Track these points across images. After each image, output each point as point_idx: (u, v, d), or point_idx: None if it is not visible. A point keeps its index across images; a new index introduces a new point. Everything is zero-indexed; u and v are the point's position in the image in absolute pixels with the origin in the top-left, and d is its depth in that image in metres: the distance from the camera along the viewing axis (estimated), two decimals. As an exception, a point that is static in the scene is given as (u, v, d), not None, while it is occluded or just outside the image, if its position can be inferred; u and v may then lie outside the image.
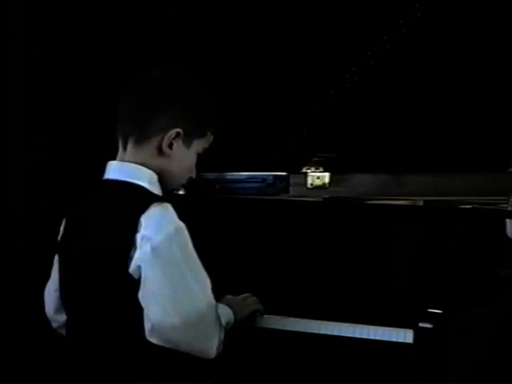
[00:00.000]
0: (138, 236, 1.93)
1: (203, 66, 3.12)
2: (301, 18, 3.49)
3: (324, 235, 2.38)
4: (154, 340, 1.95)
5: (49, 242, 2.20)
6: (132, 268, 1.94)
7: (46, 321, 2.23)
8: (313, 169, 2.80)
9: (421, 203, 2.64)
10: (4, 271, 3.23)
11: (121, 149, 2.08)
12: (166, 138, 2.04)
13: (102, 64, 3.34)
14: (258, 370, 2.19)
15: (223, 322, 2.04)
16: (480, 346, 2.11)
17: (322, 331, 2.14)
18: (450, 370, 2.06)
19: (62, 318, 2.16)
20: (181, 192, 2.35)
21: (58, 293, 2.15)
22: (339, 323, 2.13)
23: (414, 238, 2.33)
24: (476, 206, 2.53)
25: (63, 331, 2.18)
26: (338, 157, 2.78)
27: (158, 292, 1.93)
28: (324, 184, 2.80)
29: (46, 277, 2.21)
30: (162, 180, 2.06)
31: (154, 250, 1.93)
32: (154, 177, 2.05)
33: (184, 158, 2.08)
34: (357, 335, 2.10)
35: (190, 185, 2.18)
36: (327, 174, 2.80)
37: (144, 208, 1.95)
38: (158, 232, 1.93)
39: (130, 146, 2.06)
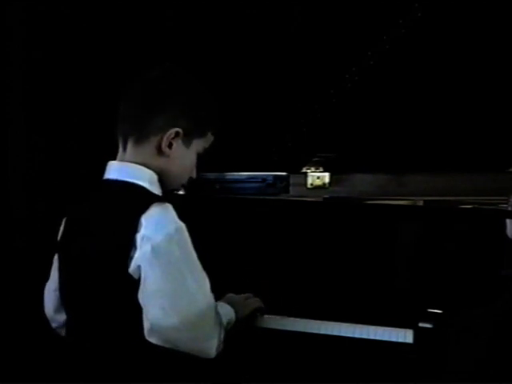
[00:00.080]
0: (139, 236, 1.93)
1: (203, 66, 3.12)
2: (301, 17, 3.49)
3: (324, 235, 2.38)
4: (153, 340, 1.95)
5: (49, 242, 2.20)
6: (132, 268, 1.94)
7: (45, 321, 2.23)
8: (313, 169, 2.80)
9: (421, 203, 2.64)
10: (4, 271, 3.23)
11: (121, 149, 2.08)
12: (165, 138, 2.04)
13: (102, 64, 3.34)
14: (258, 369, 2.19)
15: (224, 321, 2.05)
16: (480, 346, 2.11)
17: (322, 331, 2.14)
18: (450, 370, 2.06)
19: (62, 317, 2.16)
20: (181, 192, 2.35)
21: (57, 292, 2.15)
22: (339, 323, 2.13)
23: (413, 238, 2.33)
24: (476, 205, 2.53)
25: (63, 331, 2.18)
26: (338, 157, 2.78)
27: (158, 292, 1.93)
28: (324, 184, 2.80)
29: (46, 277, 2.21)
30: (162, 180, 2.06)
31: (154, 249, 1.93)
32: (154, 177, 2.05)
33: (184, 157, 2.08)
34: (357, 335, 2.11)
35: (190, 185, 2.18)
36: (327, 174, 2.80)
37: (144, 208, 1.95)
38: (159, 232, 1.94)
39: (129, 145, 2.06)
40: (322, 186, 2.80)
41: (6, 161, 3.29)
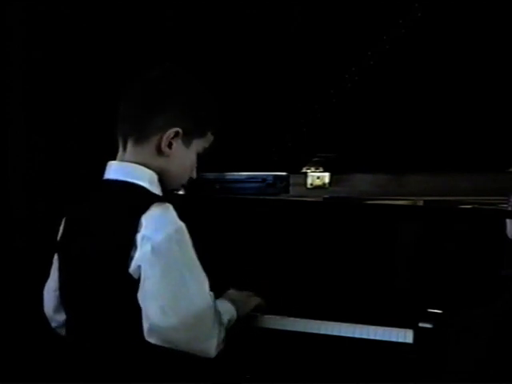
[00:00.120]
0: (139, 236, 1.93)
1: (203, 66, 3.12)
2: (301, 17, 3.49)
3: (324, 235, 2.38)
4: (152, 340, 1.95)
5: (49, 242, 2.20)
6: (132, 268, 1.94)
7: (45, 321, 2.23)
8: (313, 169, 2.80)
9: (421, 203, 2.64)
10: (4, 271, 3.23)
11: (121, 149, 2.08)
12: (164, 138, 2.04)
13: (102, 64, 3.34)
14: (258, 369, 2.19)
15: (225, 319, 2.05)
16: (480, 346, 2.11)
17: (322, 331, 2.14)
18: (450, 370, 2.06)
19: (62, 317, 2.16)
20: (181, 192, 2.35)
21: (57, 292, 2.15)
22: (339, 323, 2.13)
23: (414, 237, 2.33)
24: (476, 205, 2.53)
25: (62, 331, 2.18)
26: (338, 157, 2.78)
27: (157, 292, 1.93)
28: (324, 184, 2.80)
29: (46, 276, 2.21)
30: (162, 180, 2.06)
31: (154, 249, 1.93)
32: (155, 177, 2.05)
33: (184, 157, 2.08)
34: (357, 335, 2.11)
35: (190, 185, 2.18)
36: (327, 174, 2.80)
37: (145, 208, 1.95)
38: (159, 232, 1.94)
39: (129, 145, 2.06)
40: (322, 186, 2.80)
41: (6, 161, 3.29)
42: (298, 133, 2.71)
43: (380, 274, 2.27)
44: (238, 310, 2.11)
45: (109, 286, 1.97)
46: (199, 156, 2.13)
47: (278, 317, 2.19)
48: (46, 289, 2.21)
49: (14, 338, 3.20)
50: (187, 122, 2.06)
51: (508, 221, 2.25)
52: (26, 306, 3.06)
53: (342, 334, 2.12)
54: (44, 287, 2.22)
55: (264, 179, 2.74)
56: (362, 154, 2.80)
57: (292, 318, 2.19)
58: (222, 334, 2.02)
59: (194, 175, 2.14)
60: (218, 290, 2.08)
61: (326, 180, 2.80)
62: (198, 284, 1.97)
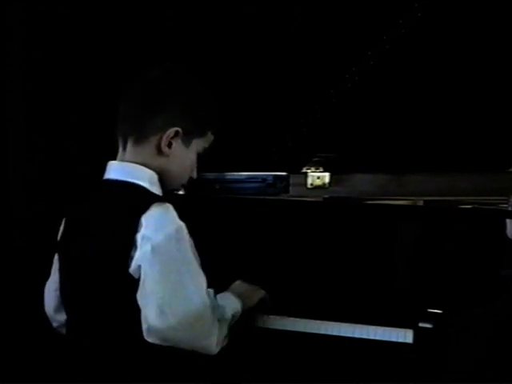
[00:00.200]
0: (139, 236, 1.93)
1: (203, 66, 3.12)
2: (301, 17, 3.49)
3: (324, 235, 2.38)
4: (151, 340, 1.95)
5: (49, 242, 2.20)
6: (132, 268, 1.94)
7: (45, 320, 2.23)
8: (313, 169, 2.80)
9: (421, 203, 2.63)
10: (4, 271, 3.23)
11: (121, 149, 2.08)
12: (164, 137, 2.04)
13: (102, 64, 3.34)
14: (258, 369, 2.19)
15: (228, 314, 2.05)
16: (480, 346, 2.11)
17: (322, 331, 2.14)
18: (450, 370, 2.06)
19: (62, 317, 2.16)
20: (181, 192, 2.35)
21: (57, 292, 2.15)
22: (339, 323, 2.13)
23: (414, 237, 2.33)
24: (476, 205, 2.53)
25: (63, 331, 2.18)
26: (338, 157, 2.78)
27: (156, 291, 1.93)
28: (324, 184, 2.80)
29: (46, 276, 2.21)
30: (162, 180, 2.07)
31: (154, 249, 1.93)
32: (155, 177, 2.05)
33: (184, 157, 2.08)
34: (356, 335, 2.11)
35: (190, 185, 2.18)
36: (327, 174, 2.80)
37: (145, 208, 1.95)
38: (159, 232, 1.94)
39: (129, 145, 2.06)
40: (322, 186, 2.80)
41: (6, 161, 3.29)
42: (297, 133, 2.71)
43: (380, 274, 2.27)
44: (244, 302, 2.11)
45: (109, 286, 1.97)
46: (199, 156, 2.13)
47: (277, 317, 2.19)
48: (47, 289, 2.21)
49: (13, 338, 3.20)
50: (187, 122, 2.06)
51: (508, 221, 2.25)
52: (26, 306, 3.06)
53: (342, 334, 2.12)
54: (44, 287, 2.22)
55: (264, 179, 2.74)
56: (362, 154, 2.80)
57: (292, 318, 2.19)
58: (224, 330, 2.02)
59: (194, 175, 2.14)
60: (217, 290, 2.08)
61: (326, 180, 2.80)
62: (196, 283, 1.97)
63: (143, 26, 3.40)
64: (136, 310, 1.95)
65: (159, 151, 2.05)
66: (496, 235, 2.26)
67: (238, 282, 2.18)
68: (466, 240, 2.26)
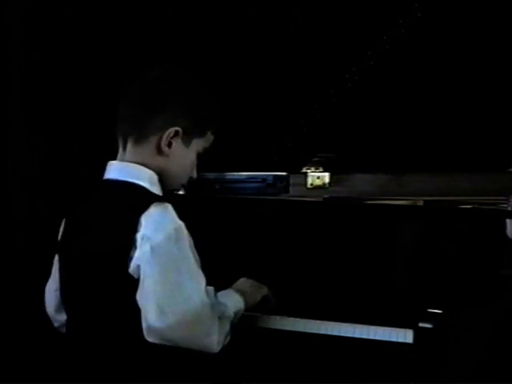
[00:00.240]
0: (138, 236, 1.93)
1: (203, 66, 3.12)
2: (301, 17, 3.49)
3: (324, 235, 2.38)
4: (151, 339, 1.95)
5: (49, 242, 2.20)
6: (132, 268, 1.94)
7: (45, 321, 2.23)
8: (313, 169, 2.80)
9: (421, 203, 2.63)
10: (4, 271, 3.23)
11: (121, 149, 2.08)
12: (164, 137, 2.04)
13: (102, 64, 3.34)
14: (258, 369, 2.19)
15: (230, 312, 2.05)
16: (480, 346, 2.11)
17: (322, 331, 2.14)
18: (450, 370, 2.06)
19: (63, 317, 2.16)
20: (181, 192, 2.35)
21: (58, 292, 2.15)
22: (339, 323, 2.13)
23: (414, 237, 2.33)
24: (476, 205, 2.53)
25: (64, 330, 2.18)
26: (338, 157, 2.78)
27: (155, 291, 1.93)
28: (324, 184, 2.80)
29: (46, 277, 2.21)
30: (162, 180, 2.07)
31: (153, 249, 1.93)
32: (155, 177, 2.05)
33: (184, 157, 2.08)
34: (357, 335, 2.11)
35: (190, 185, 2.18)
36: (327, 174, 2.80)
37: (144, 208, 1.95)
38: (158, 232, 1.94)
39: (129, 145, 2.06)
40: (322, 186, 2.80)
41: (6, 161, 3.29)
42: (297, 133, 2.71)
43: (380, 274, 2.27)
44: (246, 301, 2.11)
45: (109, 286, 1.97)
46: (199, 156, 2.13)
47: (277, 317, 2.19)
48: (48, 289, 2.21)
49: (13, 337, 3.20)
50: (187, 122, 2.06)
51: (508, 221, 2.25)
52: (26, 306, 3.06)
53: (342, 334, 2.12)
54: (44, 287, 2.23)
55: (264, 179, 2.74)
56: (362, 154, 2.80)
57: (292, 318, 2.19)
58: (226, 328, 2.02)
59: (195, 175, 2.14)
60: (218, 289, 2.08)
61: (326, 180, 2.80)
62: (195, 283, 1.97)
63: (143, 25, 3.40)
64: (136, 310, 1.95)
65: (159, 151, 2.05)
66: (496, 235, 2.26)
67: (242, 280, 2.19)
68: (466, 240, 2.26)
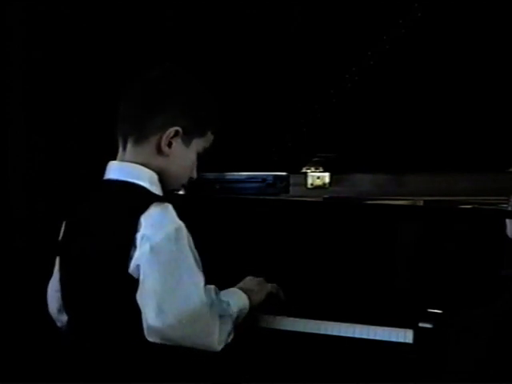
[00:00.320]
0: (138, 236, 1.94)
1: (203, 66, 3.12)
2: (301, 17, 3.49)
3: (324, 235, 2.38)
4: (152, 339, 1.95)
5: (49, 242, 2.20)
6: (132, 268, 1.94)
7: (45, 321, 2.23)
8: (313, 169, 2.80)
9: (421, 203, 2.64)
10: (4, 271, 3.23)
11: (121, 149, 2.08)
12: (164, 137, 2.04)
13: (102, 64, 3.34)
14: (258, 369, 2.19)
15: (234, 310, 2.05)
16: (480, 346, 2.11)
17: (322, 331, 2.14)
18: (450, 370, 2.06)
19: (66, 317, 2.16)
20: (181, 192, 2.35)
21: (59, 293, 2.15)
22: (339, 323, 2.13)
23: (414, 237, 2.33)
24: (476, 205, 2.53)
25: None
26: (338, 157, 2.78)
27: (155, 291, 1.93)
28: (324, 184, 2.80)
29: (47, 277, 2.21)
30: (162, 180, 2.07)
31: (153, 249, 1.93)
32: (155, 177, 2.05)
33: (184, 157, 2.09)
34: (356, 335, 2.10)
35: (190, 185, 2.18)
36: (327, 174, 2.80)
37: (144, 208, 1.95)
38: (158, 231, 1.94)
39: (129, 145, 2.06)
40: (322, 186, 2.80)
41: (6, 161, 3.29)
42: (297, 133, 2.71)
43: (380, 274, 2.27)
44: (251, 299, 2.11)
45: (109, 286, 1.97)
46: (199, 156, 2.13)
47: (278, 317, 2.19)
48: (49, 289, 2.21)
49: (13, 337, 3.20)
50: (187, 122, 2.06)
51: (508, 221, 2.25)
52: (26, 306, 3.06)
53: (342, 334, 2.12)
54: (44, 287, 2.23)
55: (264, 179, 2.74)
56: (362, 154, 2.80)
57: (292, 318, 2.19)
58: (228, 327, 2.02)
59: (195, 175, 2.14)
60: (218, 289, 2.08)
61: (326, 180, 2.80)
62: (195, 282, 1.97)
63: (143, 25, 3.40)
64: (136, 310, 1.95)
65: (159, 151, 2.05)
66: (496, 235, 2.26)
67: (248, 278, 2.19)
68: (466, 240, 2.26)
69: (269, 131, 3.16)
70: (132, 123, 2.06)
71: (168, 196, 2.07)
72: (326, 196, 2.73)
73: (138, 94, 2.09)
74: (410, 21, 2.52)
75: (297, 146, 2.73)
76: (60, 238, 2.14)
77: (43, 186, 3.30)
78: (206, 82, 2.13)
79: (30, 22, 3.28)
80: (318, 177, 2.80)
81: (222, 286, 2.11)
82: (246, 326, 2.13)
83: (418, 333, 2.04)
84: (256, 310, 2.14)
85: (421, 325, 2.04)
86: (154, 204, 1.96)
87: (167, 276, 1.94)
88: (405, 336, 2.06)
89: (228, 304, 2.05)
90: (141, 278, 1.94)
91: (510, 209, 2.37)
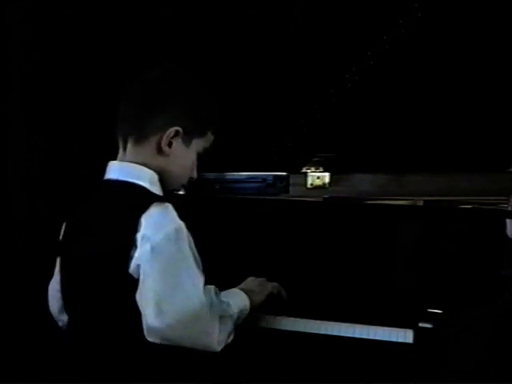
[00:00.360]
0: (139, 236, 1.93)
1: (203, 66, 3.12)
2: (301, 17, 3.49)
3: (324, 235, 2.38)
4: (151, 339, 1.95)
5: (49, 242, 2.20)
6: (132, 267, 1.94)
7: (45, 321, 2.23)
8: (313, 169, 2.80)
9: (421, 203, 2.64)
10: (4, 271, 3.23)
11: (121, 149, 2.08)
12: (164, 137, 2.04)
13: (102, 64, 3.34)
14: (258, 369, 2.19)
15: (234, 311, 2.05)
16: (480, 346, 2.11)
17: (322, 331, 2.14)
18: (450, 370, 2.06)
19: (67, 317, 2.16)
20: (181, 192, 2.35)
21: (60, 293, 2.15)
22: (339, 323, 2.13)
23: (414, 237, 2.33)
24: (476, 205, 2.53)
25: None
26: (338, 157, 2.78)
27: (154, 291, 1.93)
28: (324, 184, 2.80)
29: (47, 277, 2.21)
30: (162, 180, 2.07)
31: (153, 249, 1.93)
32: (155, 177, 2.05)
33: (184, 157, 2.09)
34: (357, 335, 2.10)
35: (190, 185, 2.18)
36: (327, 174, 2.80)
37: (144, 208, 1.95)
38: (158, 231, 1.94)
39: (129, 145, 2.06)
40: (322, 186, 2.80)
41: (6, 161, 3.29)
42: (297, 133, 2.71)
43: (380, 274, 2.27)
44: (252, 299, 2.11)
45: (109, 286, 1.97)
46: (199, 156, 2.13)
47: (278, 317, 2.19)
48: (50, 289, 2.21)
49: (13, 337, 3.20)
50: (187, 122, 2.06)
51: (508, 221, 2.25)
52: (26, 306, 3.06)
53: (342, 334, 2.12)
54: (44, 287, 2.23)
55: (264, 179, 2.74)
56: (362, 154, 2.80)
57: (292, 318, 2.19)
58: (228, 327, 2.02)
59: (195, 175, 2.14)
60: (218, 289, 2.08)
61: (326, 180, 2.80)
62: (194, 283, 1.97)
63: (143, 25, 3.40)
64: (137, 310, 1.95)
65: (159, 151, 2.05)
66: (496, 235, 2.26)
67: (249, 279, 2.19)
68: (466, 240, 2.26)
69: (269, 131, 3.16)
70: (132, 123, 2.06)
71: (168, 196, 2.07)
72: (326, 196, 2.73)
73: (138, 94, 2.09)
74: (409, 21, 2.52)
75: (297, 146, 2.73)
76: (60, 238, 2.14)
77: (43, 186, 3.30)
78: (206, 82, 2.13)
79: (30, 21, 3.28)
80: (317, 177, 2.80)
81: (222, 285, 2.11)
82: (246, 325, 2.13)
83: (418, 333, 2.04)
84: (257, 311, 2.14)
85: (421, 325, 2.04)
86: (155, 204, 1.96)
87: (167, 276, 1.94)
88: (405, 336, 2.06)
89: (228, 305, 2.05)
90: (141, 277, 1.94)
91: (510, 209, 2.37)
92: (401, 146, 2.77)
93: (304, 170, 2.80)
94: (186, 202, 2.26)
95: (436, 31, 2.56)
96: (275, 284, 2.22)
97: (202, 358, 2.00)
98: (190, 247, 1.98)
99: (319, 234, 2.38)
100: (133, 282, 1.94)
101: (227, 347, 2.03)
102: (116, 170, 2.06)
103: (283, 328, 2.18)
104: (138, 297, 1.94)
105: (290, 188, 2.76)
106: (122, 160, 2.08)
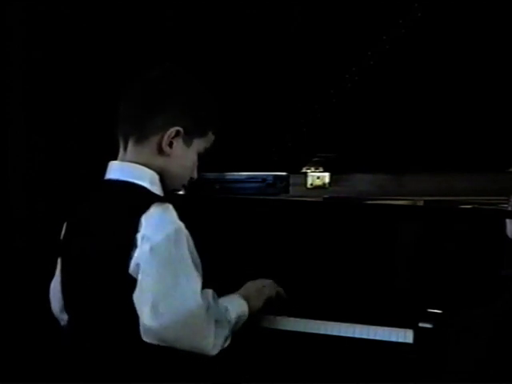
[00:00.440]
0: (139, 236, 1.93)
1: (203, 66, 3.12)
2: (301, 17, 3.49)
3: (324, 235, 2.38)
4: (148, 340, 1.94)
5: (49, 242, 2.20)
6: (132, 267, 1.94)
7: (45, 321, 2.23)
8: (313, 169, 2.80)
9: (421, 203, 2.64)
10: (4, 271, 3.23)
11: (121, 149, 2.08)
12: (165, 137, 2.04)
13: (102, 64, 3.34)
14: (258, 369, 2.19)
15: (232, 316, 2.04)
16: (480, 346, 2.11)
17: (322, 331, 2.14)
18: (450, 370, 2.06)
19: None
20: (181, 192, 2.35)
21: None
22: (339, 323, 2.13)
23: (414, 237, 2.33)
24: (476, 205, 2.53)
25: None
26: (338, 157, 2.78)
27: (152, 291, 1.93)
28: (324, 184, 2.80)
29: (47, 277, 2.21)
30: (163, 180, 2.07)
31: (153, 249, 1.93)
32: (156, 177, 2.05)
33: (184, 157, 2.08)
34: (357, 335, 2.11)
35: (190, 185, 2.18)
36: (327, 174, 2.80)
37: (145, 208, 1.95)
38: (158, 232, 1.94)
39: (130, 145, 2.06)
40: (322, 186, 2.80)
41: (6, 161, 3.29)
42: (297, 133, 2.71)
43: (380, 274, 2.27)
44: (250, 305, 2.11)
45: (109, 286, 1.97)
46: (200, 156, 2.13)
47: (278, 317, 2.19)
48: (52, 289, 2.21)
49: (13, 337, 3.20)
50: (187, 122, 2.06)
51: (508, 221, 2.25)
52: (26, 306, 3.06)
53: (342, 334, 2.12)
54: (44, 287, 2.22)
55: (264, 179, 2.74)
56: (362, 154, 2.80)
57: (292, 318, 2.19)
58: (224, 332, 2.02)
59: (195, 175, 2.14)
60: (217, 289, 2.08)
61: (326, 180, 2.80)
62: (191, 285, 1.97)
63: (143, 25, 3.40)
64: (136, 310, 1.95)
65: (160, 151, 2.05)
66: (496, 235, 2.26)
67: (248, 284, 2.18)
68: (466, 240, 2.26)
69: (269, 131, 3.16)
70: (132, 123, 2.06)
71: (168, 196, 2.07)
72: (325, 196, 2.73)
73: (138, 94, 2.09)
74: (409, 21, 2.52)
75: (297, 146, 2.73)
76: (61, 238, 2.14)
77: (43, 186, 3.30)
78: (206, 82, 2.13)
79: (30, 22, 3.28)
80: (317, 177, 2.80)
81: (222, 285, 2.11)
82: (246, 325, 2.13)
83: (418, 333, 2.04)
84: (255, 315, 2.14)
85: (421, 325, 2.04)
86: (155, 204, 1.96)
87: (164, 277, 1.94)
88: (405, 336, 2.06)
89: (226, 309, 2.05)
90: (139, 277, 1.94)
91: (510, 209, 2.38)
92: (401, 146, 2.77)
93: (304, 170, 2.80)
94: (186, 202, 2.26)
95: (436, 31, 2.56)
96: (273, 285, 2.21)
97: (201, 357, 2.00)
98: (189, 249, 1.98)
99: (319, 234, 2.38)
100: (133, 282, 1.94)
101: (227, 347, 2.02)
102: (116, 170, 2.06)
103: (283, 328, 2.18)
104: (135, 296, 1.94)
105: (290, 188, 2.76)
106: (122, 160, 2.08)
